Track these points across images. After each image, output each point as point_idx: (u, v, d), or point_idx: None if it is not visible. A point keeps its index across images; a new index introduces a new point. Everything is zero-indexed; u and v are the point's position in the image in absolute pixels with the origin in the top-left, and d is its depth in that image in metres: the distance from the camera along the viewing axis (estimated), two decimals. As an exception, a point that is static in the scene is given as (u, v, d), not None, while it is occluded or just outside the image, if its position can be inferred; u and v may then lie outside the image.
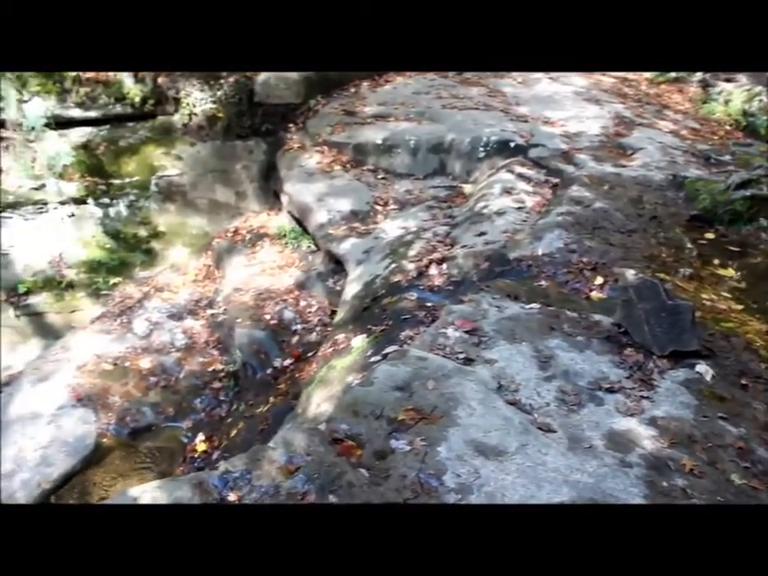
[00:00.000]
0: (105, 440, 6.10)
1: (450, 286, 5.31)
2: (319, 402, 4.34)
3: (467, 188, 7.39)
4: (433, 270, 5.55)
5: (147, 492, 2.73)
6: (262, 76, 8.29)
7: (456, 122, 8.04)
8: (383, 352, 4.38)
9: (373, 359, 4.40)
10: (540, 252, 5.12)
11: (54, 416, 6.13)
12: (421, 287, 5.35)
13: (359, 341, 4.93)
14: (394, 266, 5.86)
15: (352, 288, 6.04)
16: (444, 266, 5.56)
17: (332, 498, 2.80)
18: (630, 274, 4.11)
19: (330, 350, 5.21)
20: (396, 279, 5.62)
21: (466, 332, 4.10)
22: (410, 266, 5.71)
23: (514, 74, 9.73)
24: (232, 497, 2.75)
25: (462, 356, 3.86)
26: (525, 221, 5.98)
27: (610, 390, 3.61)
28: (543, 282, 4.78)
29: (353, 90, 9.36)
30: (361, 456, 3.02)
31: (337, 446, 3.04)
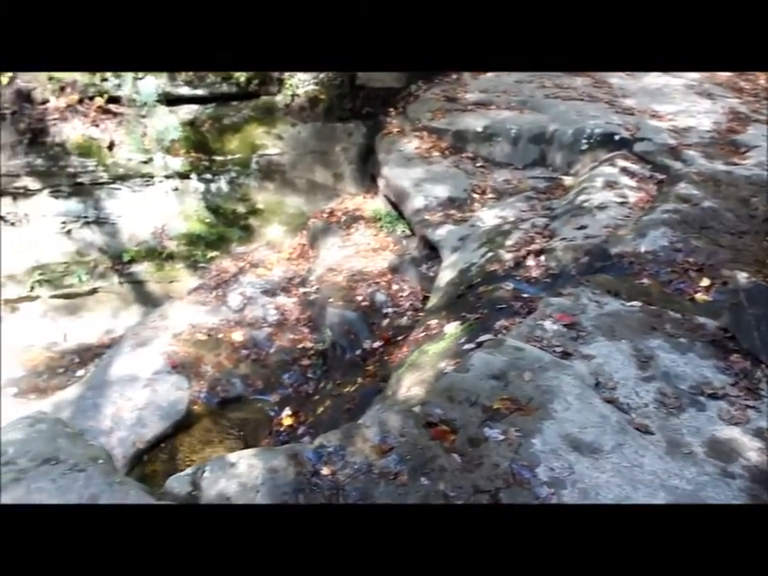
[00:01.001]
0: (195, 407, 6.26)
1: (548, 279, 5.21)
2: (410, 386, 4.33)
3: (567, 180, 7.22)
4: (530, 262, 5.45)
5: (244, 459, 2.80)
6: (366, 59, 8.31)
7: (559, 113, 7.87)
8: (477, 340, 4.34)
9: (466, 346, 4.37)
10: (643, 249, 4.96)
11: (150, 380, 6.33)
12: (517, 278, 5.27)
13: (452, 327, 4.90)
14: (490, 254, 5.79)
15: (446, 274, 6.01)
16: (542, 257, 5.45)
17: (424, 481, 2.80)
18: (742, 276, 3.91)
19: (422, 334, 5.20)
20: (492, 268, 5.55)
21: (564, 325, 4.02)
22: (507, 256, 5.63)
23: (622, 64, 9.43)
24: (325, 471, 2.79)
25: (559, 349, 3.78)
26: (627, 216, 5.80)
27: (713, 396, 3.47)
28: (645, 280, 4.63)
29: (455, 76, 9.29)
30: (454, 441, 3.01)
31: (431, 429, 3.04)
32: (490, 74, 9.23)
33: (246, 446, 5.71)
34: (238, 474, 2.70)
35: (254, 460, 2.77)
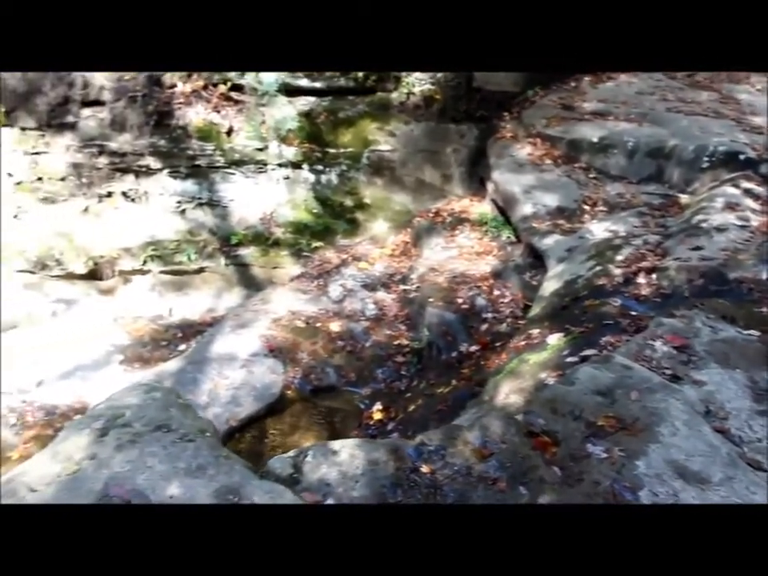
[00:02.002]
0: (289, 392, 6.37)
1: (658, 298, 5.03)
2: (508, 393, 4.29)
3: (684, 198, 6.96)
4: (640, 279, 5.29)
5: (346, 448, 2.83)
6: (484, 62, 8.25)
7: (680, 128, 7.59)
8: (582, 354, 4.25)
9: (569, 359, 4.29)
10: (765, 276, 4.73)
11: (247, 361, 6.49)
12: (626, 294, 5.12)
13: (555, 339, 4.81)
14: (598, 268, 5.65)
15: (551, 284, 5.91)
16: (653, 276, 5.28)
17: (522, 490, 2.76)
18: None
19: (523, 343, 5.13)
20: (600, 282, 5.42)
21: (675, 348, 3.87)
22: (617, 272, 5.48)
23: (752, 79, 9.02)
24: (425, 468, 2.79)
25: (668, 372, 3.65)
26: (748, 241, 5.53)
27: (835, 438, 3.27)
28: (765, 309, 4.41)
29: (573, 84, 9.11)
30: (555, 454, 2.95)
31: (532, 439, 3.00)
32: (609, 84, 9.01)
33: (334, 436, 5.78)
34: (339, 462, 2.74)
35: (355, 450, 2.80)
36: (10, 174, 7.75)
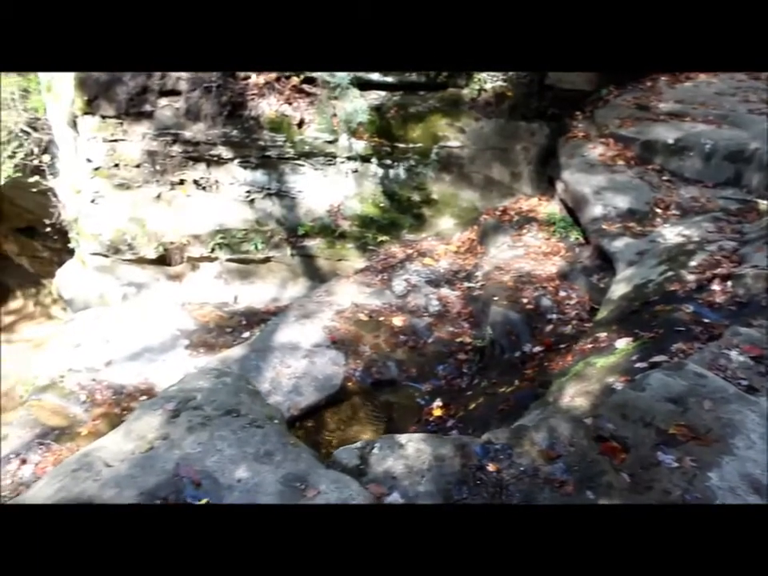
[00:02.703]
0: (350, 384, 6.41)
1: (733, 306, 4.87)
2: (573, 396, 4.21)
3: (763, 204, 6.72)
4: (715, 286, 5.13)
5: (413, 442, 2.83)
6: (559, 59, 8.11)
7: (762, 130, 7.33)
8: (652, 359, 4.15)
9: (639, 365, 4.19)
10: None
11: (310, 352, 6.56)
12: (699, 301, 4.97)
13: (624, 343, 4.71)
14: (670, 273, 5.50)
15: (619, 288, 5.79)
16: (728, 283, 5.11)
17: (589, 494, 2.72)
18: None
19: (590, 346, 5.04)
20: (671, 288, 5.28)
21: (752, 358, 3.75)
22: (689, 277, 5.33)
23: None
24: (491, 467, 2.77)
25: (744, 382, 3.54)
26: (831, 250, 5.32)
27: None
28: None
29: (649, 83, 8.88)
30: (624, 460, 2.90)
31: (601, 443, 2.94)
32: (687, 84, 8.75)
33: (393, 431, 5.79)
34: (405, 456, 2.74)
35: (422, 445, 2.80)
36: (88, 160, 8.00)
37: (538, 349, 6.15)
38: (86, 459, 2.78)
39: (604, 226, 6.75)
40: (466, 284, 7.32)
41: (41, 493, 2.73)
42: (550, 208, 7.86)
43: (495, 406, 5.62)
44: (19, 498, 2.79)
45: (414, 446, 2.81)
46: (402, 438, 2.89)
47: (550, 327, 6.33)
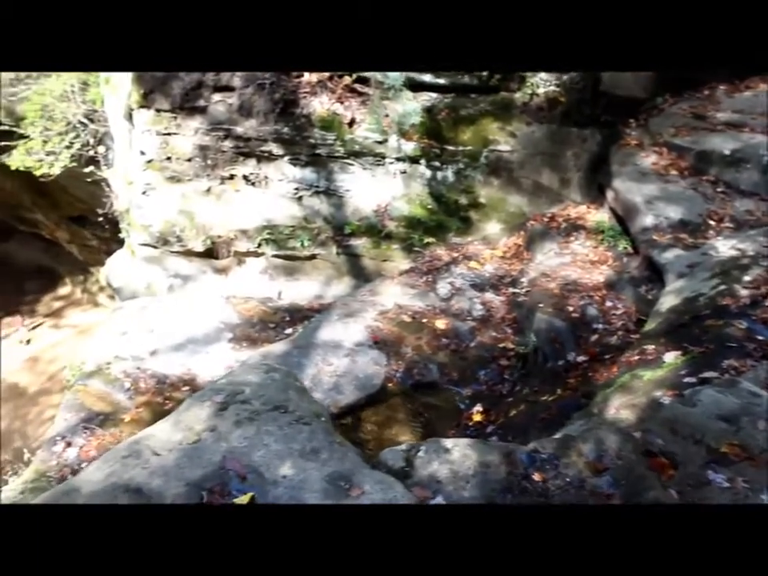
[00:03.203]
0: (390, 384, 6.40)
1: (789, 324, 4.76)
2: (618, 408, 4.15)
3: (821, 220, 6.56)
4: (770, 302, 5.02)
5: (459, 447, 2.82)
6: (614, 66, 8.00)
7: (823, 144, 7.16)
8: (701, 375, 4.06)
9: (687, 380, 4.10)
10: None
11: (352, 350, 6.57)
12: (753, 317, 4.86)
13: (672, 357, 4.62)
14: (723, 287, 5.39)
15: (668, 300, 5.68)
16: (784, 300, 5.00)
17: (636, 510, 2.67)
18: None
19: (636, 357, 4.96)
20: (724, 302, 5.17)
21: (809, 378, 3.66)
22: (743, 292, 5.22)
23: None
24: (536, 476, 2.75)
25: (801, 403, 3.45)
26: None
27: None
28: None
29: (706, 92, 8.71)
30: (672, 476, 2.85)
31: (649, 458, 2.90)
32: (747, 93, 8.56)
33: (432, 434, 5.77)
34: (451, 461, 2.73)
35: (468, 450, 2.79)
36: (142, 153, 8.14)
37: (582, 358, 6.07)
38: (136, 447, 2.82)
39: (654, 237, 6.65)
40: (511, 289, 7.27)
41: (91, 477, 2.78)
42: (599, 216, 7.75)
43: (536, 414, 5.57)
44: (69, 482, 2.85)
45: (459, 450, 2.80)
46: (448, 442, 2.88)
47: (595, 337, 6.25)
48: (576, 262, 7.18)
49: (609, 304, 6.53)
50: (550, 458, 2.83)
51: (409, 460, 2.80)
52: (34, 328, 18.00)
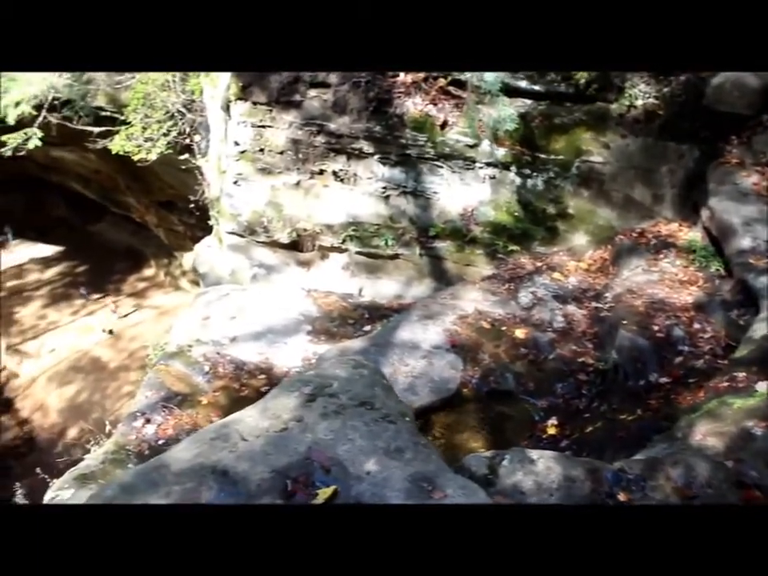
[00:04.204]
0: (465, 390, 6.37)
1: None
2: (705, 434, 4.02)
3: None
4: None
5: (543, 459, 2.79)
6: (718, 79, 7.74)
7: None
8: (797, 408, 3.92)
9: (782, 411, 3.96)
10: None
11: (429, 353, 6.57)
12: None
13: (765, 386, 4.46)
14: (822, 318, 5.17)
15: (762, 327, 5.48)
16: None
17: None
18: None
19: (725, 384, 4.80)
20: (823, 333, 4.96)
21: None
22: None
23: None
24: (621, 496, 2.69)
25: None
26: None
27: None
28: None
29: (818, 113, 8.33)
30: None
31: (742, 490, 2.80)
32: None
33: (504, 443, 5.72)
34: (535, 472, 2.71)
35: (552, 463, 2.76)
36: (236, 143, 8.34)
37: (664, 380, 5.91)
38: (224, 430, 2.90)
39: (751, 260, 6.41)
40: (594, 304, 7.13)
41: (180, 455, 2.87)
42: (692, 235, 7.52)
43: (614, 432, 5.45)
44: (160, 458, 2.95)
45: (544, 462, 2.77)
46: (533, 453, 2.85)
47: (679, 359, 6.07)
48: (664, 281, 6.97)
49: (697, 326, 6.32)
50: (637, 479, 2.77)
51: (492, 468, 2.78)
52: (121, 318, 18.67)
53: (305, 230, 8.45)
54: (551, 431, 5.94)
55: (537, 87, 7.87)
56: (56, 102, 10.42)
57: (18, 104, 9.37)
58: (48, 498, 5.51)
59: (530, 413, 6.31)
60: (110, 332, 18.20)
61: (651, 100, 7.83)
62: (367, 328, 7.75)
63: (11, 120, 9.45)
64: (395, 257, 8.45)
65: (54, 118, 10.34)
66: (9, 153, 9.63)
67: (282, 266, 8.73)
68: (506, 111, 7.18)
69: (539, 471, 2.72)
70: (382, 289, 8.46)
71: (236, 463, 2.71)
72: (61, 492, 5.49)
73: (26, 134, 9.63)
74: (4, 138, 9.62)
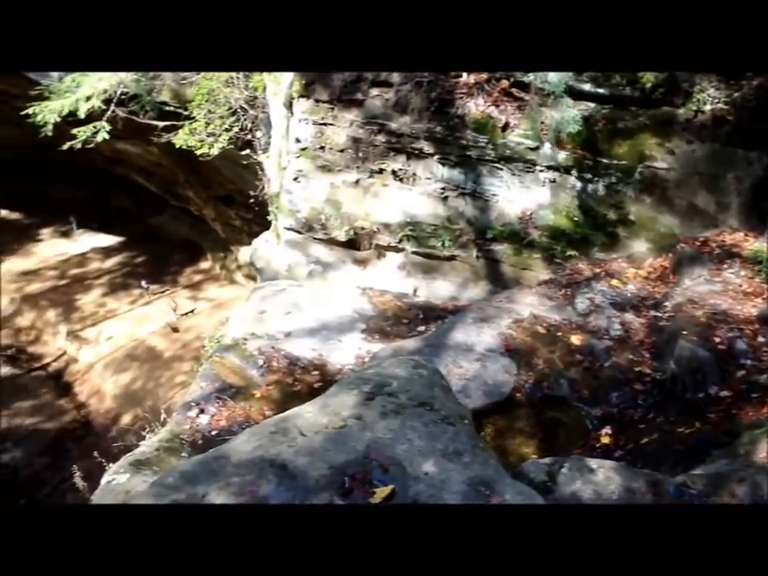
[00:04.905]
0: (518, 394, 6.32)
1: None
2: (770, 452, 3.92)
3: None
4: None
5: (603, 469, 2.76)
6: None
7: None
8: None
9: None
10: None
11: (483, 356, 6.54)
12: None
13: (833, 404, 4.32)
14: None
15: (831, 343, 5.31)
16: None
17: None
18: None
19: (791, 400, 4.67)
20: None
21: None
22: None
23: None
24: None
25: None
26: None
27: None
28: None
29: None
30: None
31: (810, 510, 2.71)
32: None
33: (556, 450, 5.66)
34: (595, 482, 2.68)
35: (612, 473, 2.73)
36: (297, 140, 8.43)
37: (725, 393, 5.76)
38: (284, 425, 2.93)
39: (820, 274, 6.22)
40: (653, 312, 7.00)
41: (240, 447, 2.92)
42: (758, 245, 7.32)
43: (670, 445, 5.35)
44: (220, 449, 3.00)
45: (604, 472, 2.74)
46: (593, 462, 2.82)
47: (742, 373, 5.91)
48: (727, 292, 6.81)
49: (761, 339, 6.16)
50: (700, 494, 2.72)
51: (551, 475, 2.76)
52: (185, 314, 19.00)
53: (362, 228, 8.49)
54: (605, 440, 5.86)
55: (601, 90, 7.76)
56: (123, 97, 10.68)
57: (88, 98, 9.64)
58: (104, 481, 5.65)
59: (584, 421, 6.23)
60: (175, 330, 18.56)
61: (720, 105, 7.64)
62: (421, 328, 7.75)
63: (82, 113, 9.72)
64: (451, 258, 8.43)
65: (121, 112, 10.59)
66: (78, 145, 9.91)
67: (338, 263, 8.79)
68: (570, 114, 7.08)
69: (599, 481, 2.69)
70: (438, 289, 8.45)
71: (295, 458, 2.75)
72: (117, 476, 5.63)
73: (95, 127, 9.90)
74: (75, 130, 9.90)
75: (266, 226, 10.09)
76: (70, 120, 9.93)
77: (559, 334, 6.84)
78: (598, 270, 7.67)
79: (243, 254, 18.17)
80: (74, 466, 9.86)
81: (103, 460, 7.46)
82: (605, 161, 7.80)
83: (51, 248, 21.90)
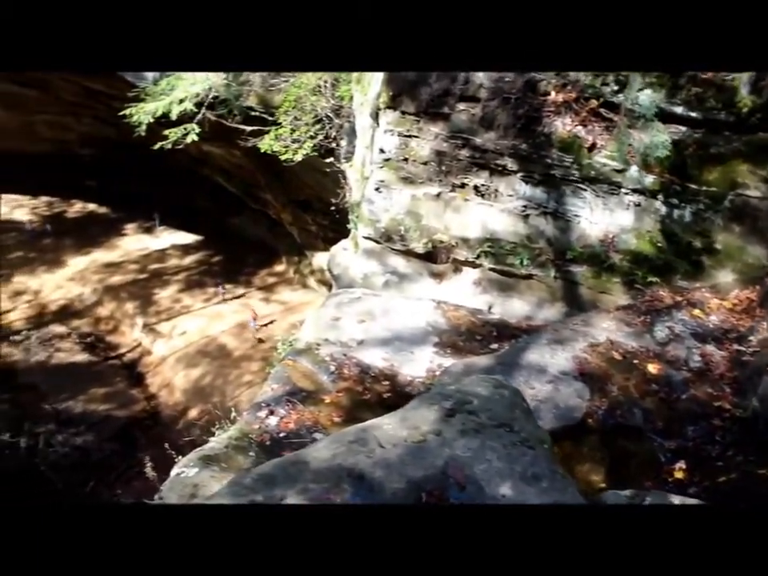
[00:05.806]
0: (590, 420, 6.21)
1: None
2: None
3: None
4: None
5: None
6: None
7: None
8: None
9: None
10: None
11: (556, 378, 6.45)
12: None
13: None
14: None
15: None
16: None
17: None
18: None
19: None
20: None
21: None
22: None
23: None
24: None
25: None
26: None
27: None
28: None
29: None
30: None
31: None
32: None
33: (627, 481, 5.53)
34: (678, 518, 2.61)
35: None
36: (381, 151, 8.52)
37: (813, 437, 5.54)
38: (363, 435, 2.97)
39: None
40: (736, 346, 6.76)
41: (318, 454, 2.96)
42: None
43: (750, 486, 5.17)
44: (299, 453, 3.05)
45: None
46: (675, 498, 2.75)
47: (831, 415, 5.67)
48: (819, 329, 6.54)
49: None
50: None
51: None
52: (265, 325, 19.39)
53: (441, 241, 8.51)
54: (678, 475, 5.69)
55: (694, 114, 7.54)
56: (213, 101, 11.02)
57: (181, 101, 9.99)
58: (174, 473, 5.80)
59: (657, 453, 6.07)
60: (260, 341, 18.95)
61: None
62: (494, 346, 7.70)
63: (174, 115, 10.09)
64: (529, 277, 8.36)
65: (210, 116, 10.92)
66: (169, 145, 10.28)
67: (414, 275, 8.83)
68: (660, 137, 6.94)
69: (682, 518, 2.62)
70: (513, 308, 8.39)
71: (372, 469, 2.77)
72: (186, 469, 5.77)
73: (185, 128, 10.26)
74: (166, 131, 10.28)
75: (341, 232, 10.23)
76: (162, 121, 10.31)
77: (636, 361, 6.69)
78: (679, 299, 7.47)
79: (317, 259, 18.45)
80: (145, 456, 10.19)
81: (173, 452, 7.68)
82: (693, 186, 7.59)
83: (134, 242, 22.75)
